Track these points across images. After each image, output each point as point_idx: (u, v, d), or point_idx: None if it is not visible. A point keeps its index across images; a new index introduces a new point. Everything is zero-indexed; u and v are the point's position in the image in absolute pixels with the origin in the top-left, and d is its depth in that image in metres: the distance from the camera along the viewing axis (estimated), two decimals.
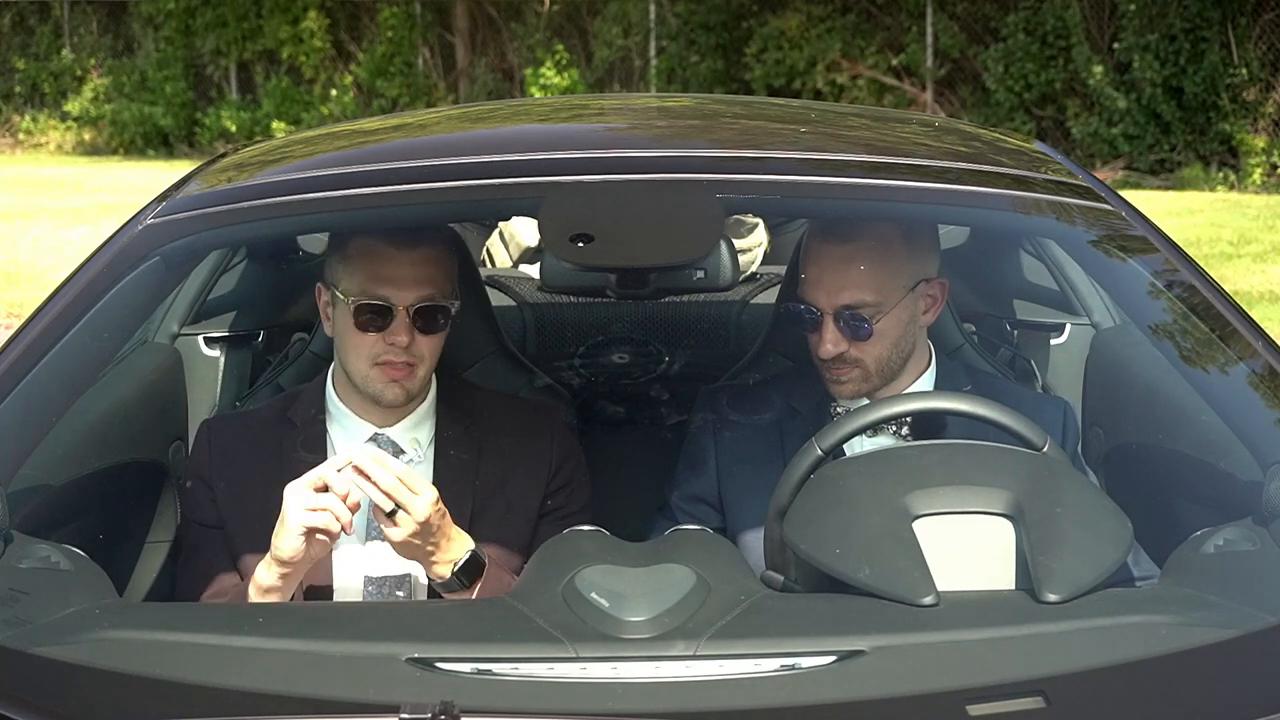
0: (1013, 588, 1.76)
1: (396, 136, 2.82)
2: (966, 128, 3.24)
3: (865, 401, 2.35)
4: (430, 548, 2.09)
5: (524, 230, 4.55)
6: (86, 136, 20.31)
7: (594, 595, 1.68)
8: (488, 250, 4.69)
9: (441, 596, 2.15)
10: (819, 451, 2.02)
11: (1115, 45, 14.18)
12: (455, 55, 18.58)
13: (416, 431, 2.35)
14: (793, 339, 2.75)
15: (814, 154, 2.37)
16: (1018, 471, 1.87)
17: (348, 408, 2.35)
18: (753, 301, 3.77)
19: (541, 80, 17.29)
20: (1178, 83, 13.75)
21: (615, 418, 3.27)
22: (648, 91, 16.48)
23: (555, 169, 2.22)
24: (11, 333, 2.11)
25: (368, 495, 2.02)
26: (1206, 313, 2.15)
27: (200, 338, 3.20)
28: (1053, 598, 1.67)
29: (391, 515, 2.03)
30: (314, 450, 2.32)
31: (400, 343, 2.26)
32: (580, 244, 2.09)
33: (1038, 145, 2.73)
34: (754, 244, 4.40)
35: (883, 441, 2.28)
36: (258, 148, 2.78)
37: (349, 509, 2.00)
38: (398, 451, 2.32)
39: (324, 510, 1.99)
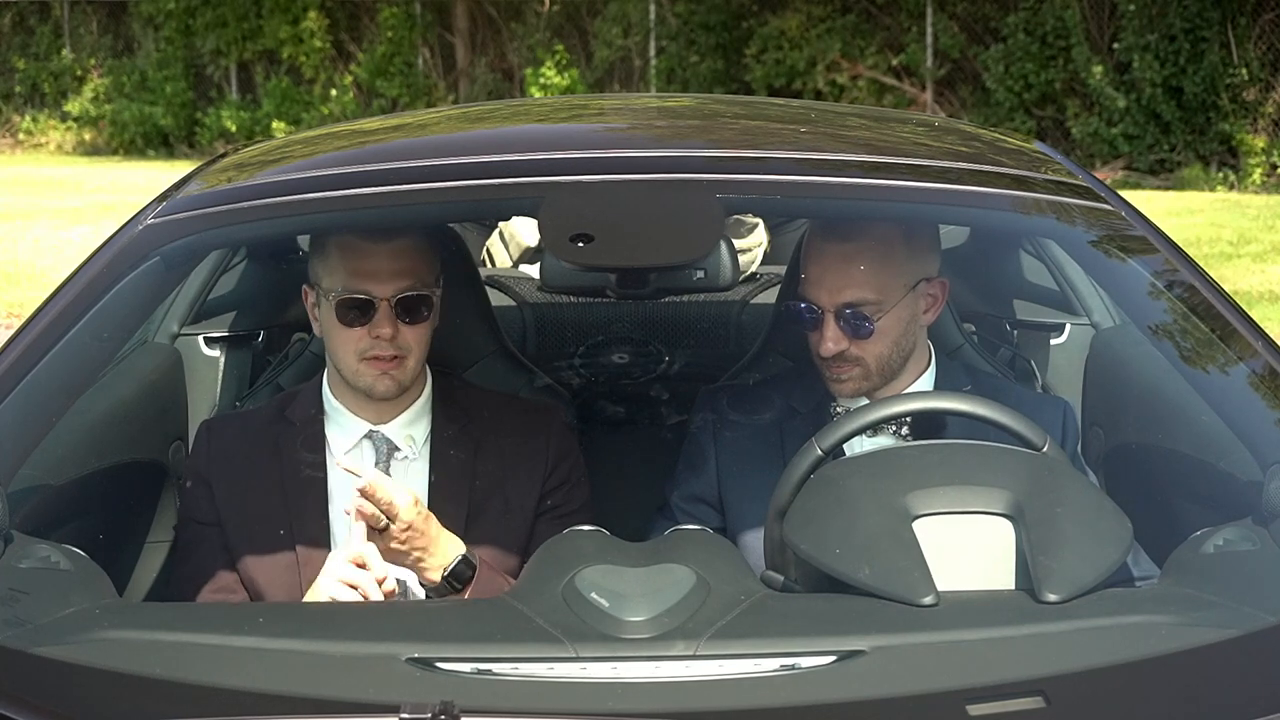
0: (1013, 588, 1.76)
1: (396, 136, 2.82)
2: (966, 128, 3.25)
3: (865, 401, 2.35)
4: (418, 552, 2.10)
5: (524, 230, 4.55)
6: (86, 136, 20.30)
7: (594, 595, 1.68)
8: (488, 250, 4.69)
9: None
10: (819, 451, 2.02)
11: (1115, 45, 14.18)
12: (455, 55, 18.58)
13: (411, 429, 2.35)
14: (793, 339, 2.74)
15: (814, 154, 2.37)
16: (1018, 471, 1.87)
17: (343, 405, 2.35)
18: (753, 301, 3.77)
19: (541, 80, 17.29)
20: (1178, 83, 13.75)
21: (615, 418, 3.27)
22: (648, 91, 16.48)
23: (555, 169, 2.22)
24: (11, 333, 2.11)
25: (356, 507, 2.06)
26: (1206, 313, 2.15)
27: (200, 338, 3.20)
28: (1053, 598, 1.67)
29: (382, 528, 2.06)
30: (312, 449, 2.33)
31: (385, 335, 2.27)
32: (580, 244, 2.09)
33: (1038, 145, 2.73)
34: (754, 244, 4.40)
35: (883, 441, 2.28)
36: (258, 148, 2.78)
37: (382, 592, 2.02)
38: (392, 449, 2.33)
39: (356, 587, 2.01)
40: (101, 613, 1.76)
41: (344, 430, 2.35)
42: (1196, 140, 13.86)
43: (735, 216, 4.27)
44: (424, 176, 2.25)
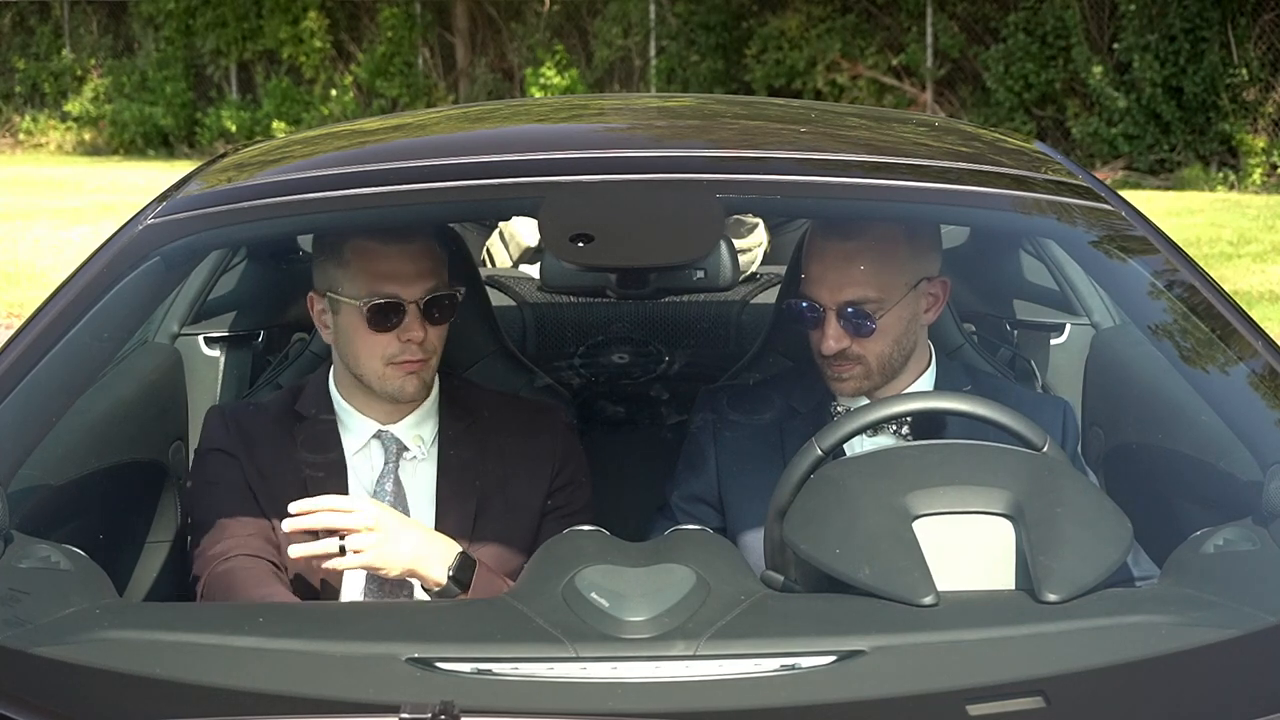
0: (1013, 588, 1.76)
1: (396, 136, 2.82)
2: (966, 128, 3.25)
3: (865, 401, 2.35)
4: (407, 552, 2.10)
5: (524, 230, 4.55)
6: (86, 136, 20.30)
7: (594, 595, 1.68)
8: (488, 250, 4.69)
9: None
10: (819, 451, 2.02)
11: (1115, 45, 14.18)
12: (455, 55, 18.57)
13: (420, 429, 2.35)
14: (793, 339, 2.74)
15: (814, 154, 2.37)
16: (1018, 471, 1.87)
17: (351, 406, 2.35)
18: (753, 301, 3.77)
19: (541, 80, 17.29)
20: (1178, 83, 13.75)
21: (615, 418, 3.27)
22: (648, 91, 16.47)
23: (555, 169, 2.22)
24: (11, 333, 2.11)
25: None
26: (1206, 313, 2.15)
27: (200, 338, 3.20)
28: (1053, 598, 1.67)
29: (343, 549, 2.08)
30: (328, 443, 2.33)
31: (416, 338, 2.27)
32: (580, 244, 2.09)
33: (1038, 145, 2.73)
34: (754, 244, 4.40)
35: (883, 441, 2.28)
36: (258, 148, 2.78)
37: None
38: (401, 449, 2.32)
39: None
40: (101, 613, 1.76)
41: (352, 431, 2.34)
42: (1196, 140, 13.86)
43: (735, 216, 4.27)
44: (424, 176, 2.25)
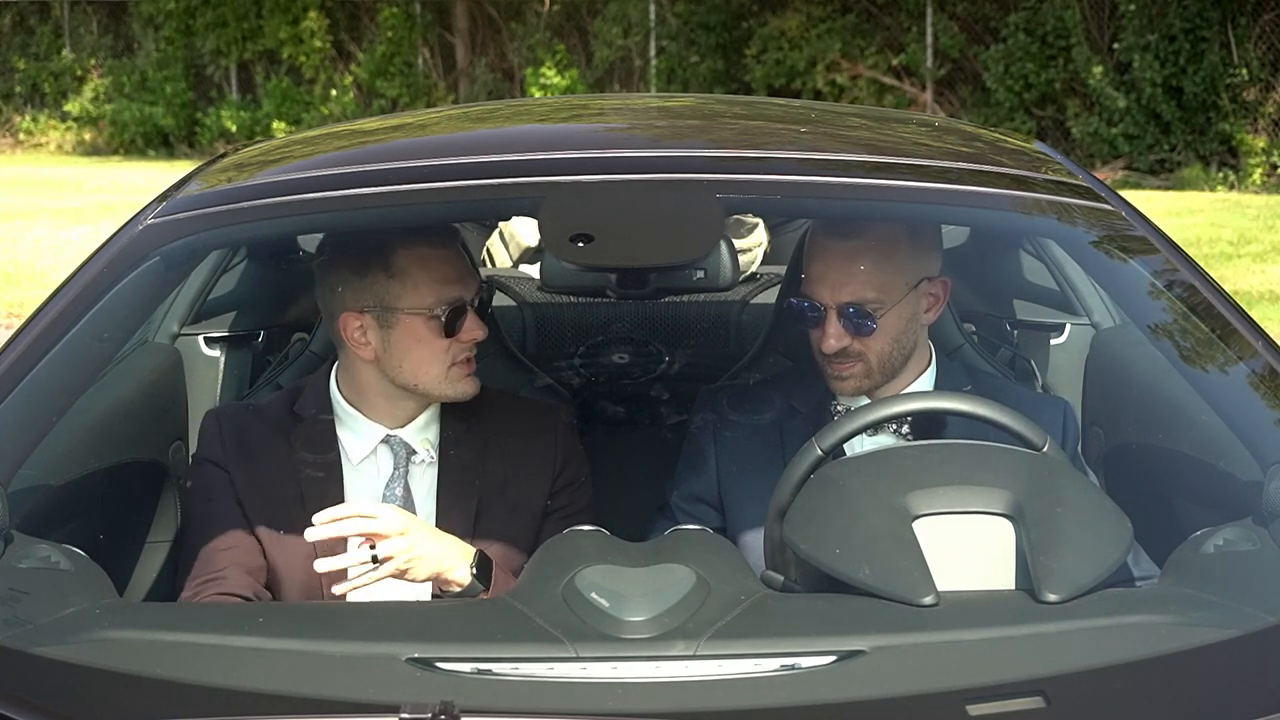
0: (1013, 588, 1.76)
1: (396, 136, 2.82)
2: (967, 128, 3.25)
3: (865, 401, 2.35)
4: (434, 555, 2.08)
5: (524, 230, 4.55)
6: (86, 136, 20.31)
7: (594, 595, 1.68)
8: (488, 250, 4.69)
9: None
10: (819, 451, 2.02)
11: (1115, 45, 14.18)
12: (455, 55, 18.58)
13: (427, 432, 2.34)
14: (793, 339, 2.74)
15: (814, 154, 2.37)
16: (1018, 471, 1.87)
17: (358, 410, 2.32)
18: (753, 301, 3.77)
19: (541, 80, 17.29)
20: (1178, 83, 13.75)
21: (615, 418, 3.27)
22: (648, 91, 16.48)
23: (555, 169, 2.22)
24: (12, 333, 2.11)
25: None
26: (1206, 313, 2.15)
27: (200, 338, 3.20)
28: (1053, 598, 1.67)
29: (375, 559, 2.04)
30: (326, 447, 2.31)
31: (479, 337, 2.29)
32: (580, 244, 2.09)
33: (1038, 145, 2.73)
34: (754, 244, 4.40)
35: (883, 441, 2.28)
36: (258, 148, 2.78)
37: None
38: (410, 453, 2.31)
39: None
40: (101, 613, 1.76)
41: (359, 436, 2.32)
42: (1196, 140, 13.86)
43: (735, 216, 4.27)
44: (424, 176, 2.25)
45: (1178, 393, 2.43)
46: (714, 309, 3.73)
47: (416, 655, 1.58)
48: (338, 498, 2.27)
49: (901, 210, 2.28)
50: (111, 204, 13.19)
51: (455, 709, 1.44)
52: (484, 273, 3.87)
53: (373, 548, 2.04)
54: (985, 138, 2.85)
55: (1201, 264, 2.36)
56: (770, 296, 3.54)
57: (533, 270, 4.09)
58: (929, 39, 15.50)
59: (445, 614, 1.86)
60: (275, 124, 18.30)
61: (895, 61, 15.66)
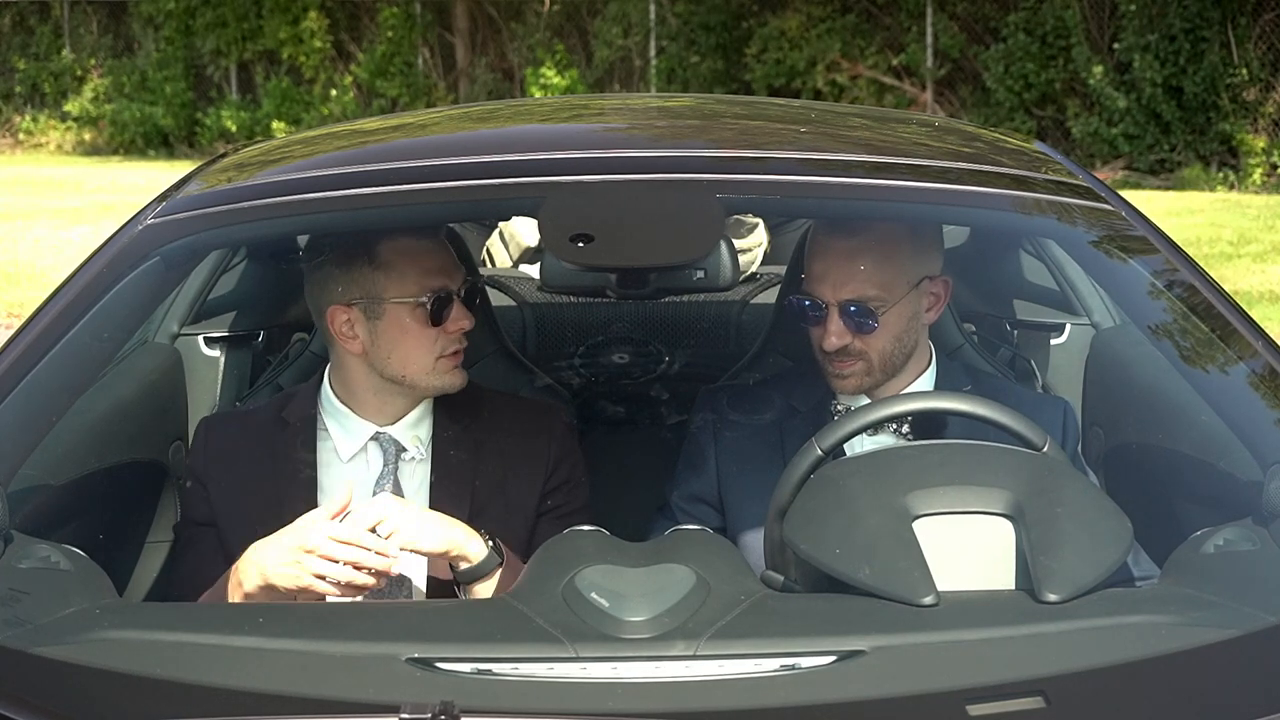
0: (1013, 588, 1.76)
1: (396, 136, 2.82)
2: (967, 128, 3.24)
3: (866, 400, 2.35)
4: (442, 529, 2.08)
5: (524, 230, 4.55)
6: (86, 136, 20.31)
7: (594, 595, 1.68)
8: (488, 250, 4.69)
9: (460, 587, 2.14)
10: (819, 451, 2.02)
11: (1115, 45, 14.18)
12: (455, 55, 18.58)
13: (417, 429, 2.35)
14: (793, 339, 2.75)
15: (814, 154, 2.37)
16: (1018, 471, 1.87)
17: (348, 408, 2.34)
18: (753, 301, 3.77)
19: (541, 80, 17.29)
20: (1178, 83, 13.75)
21: (615, 418, 3.27)
22: (648, 91, 16.48)
23: (555, 169, 2.22)
24: (11, 333, 2.11)
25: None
26: (1206, 313, 2.15)
27: (200, 338, 3.20)
28: (1053, 598, 1.67)
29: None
30: (307, 451, 2.32)
31: (466, 327, 2.29)
32: (580, 244, 2.09)
33: (1038, 145, 2.73)
34: (754, 244, 4.40)
35: (883, 441, 2.28)
36: (258, 148, 2.77)
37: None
38: (400, 450, 2.32)
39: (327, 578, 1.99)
40: (101, 613, 1.75)
41: (349, 433, 2.33)
42: (1197, 140, 13.86)
43: (735, 216, 4.28)
44: (424, 176, 2.25)
45: (1178, 393, 2.43)
46: (714, 309, 3.73)
47: (416, 655, 1.58)
48: (312, 498, 2.28)
49: (902, 210, 2.28)
50: (111, 204, 13.19)
51: (455, 709, 1.44)
52: (484, 273, 3.87)
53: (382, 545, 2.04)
54: (985, 138, 2.85)
55: (1201, 264, 2.36)
56: (770, 296, 3.54)
57: (533, 270, 4.09)
58: (929, 39, 15.51)
59: (445, 614, 1.86)
60: (275, 124, 18.30)
61: (895, 61, 15.67)
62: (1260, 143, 13.52)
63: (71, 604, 1.75)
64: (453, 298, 2.28)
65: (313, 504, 2.27)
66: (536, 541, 2.24)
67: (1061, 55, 14.56)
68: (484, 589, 2.12)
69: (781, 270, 3.46)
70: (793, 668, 1.57)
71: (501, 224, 4.62)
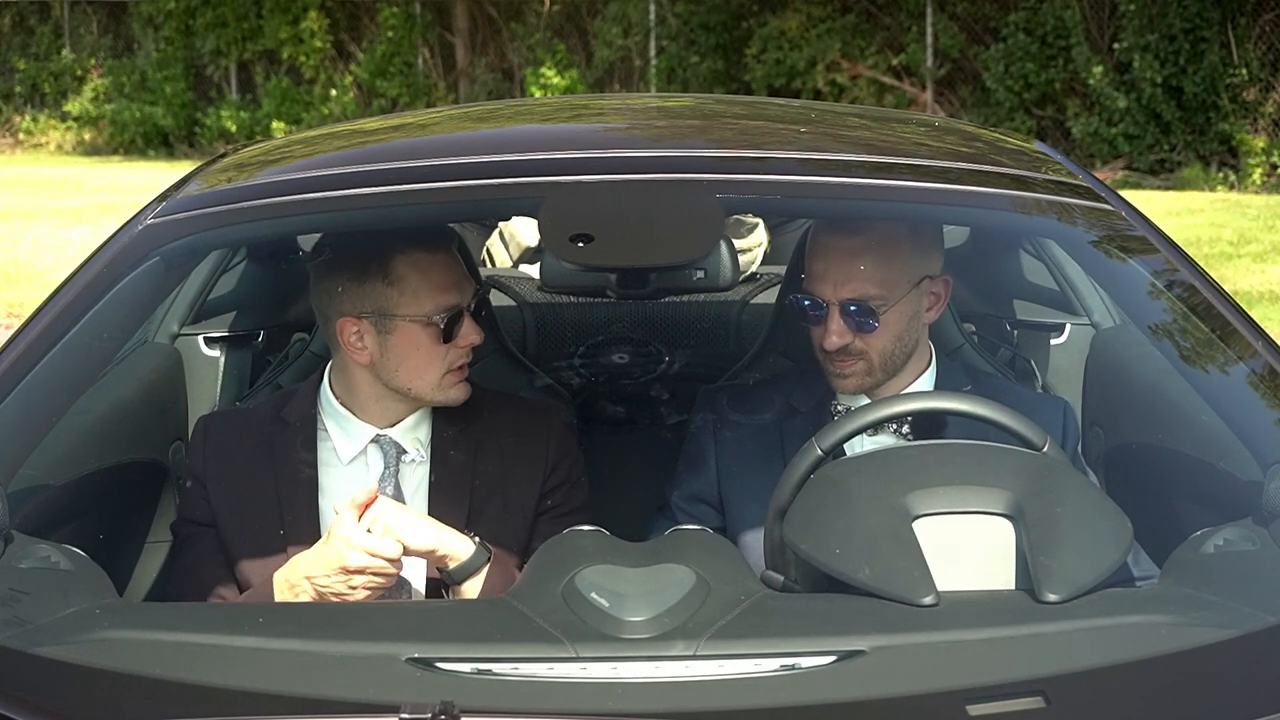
0: (1013, 588, 1.76)
1: (396, 136, 2.82)
2: (966, 128, 3.24)
3: (866, 400, 2.35)
4: (429, 527, 2.11)
5: (524, 230, 4.55)
6: (86, 136, 20.31)
7: (594, 595, 1.68)
8: (488, 250, 4.69)
9: (449, 589, 2.15)
10: (819, 451, 2.02)
11: (1115, 45, 14.18)
12: (455, 55, 18.58)
13: (417, 431, 2.34)
14: (793, 339, 2.75)
15: (814, 154, 2.37)
16: (1018, 471, 1.87)
17: (349, 411, 2.33)
18: (753, 301, 3.77)
19: (541, 80, 17.29)
20: (1178, 83, 13.75)
21: (615, 418, 3.27)
22: (648, 91, 16.48)
23: (555, 169, 2.22)
24: (11, 333, 2.11)
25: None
26: (1206, 313, 2.15)
27: (200, 338, 3.20)
28: (1053, 598, 1.67)
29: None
30: (306, 450, 2.32)
31: (476, 342, 2.29)
32: (580, 244, 2.09)
33: (1038, 145, 2.73)
34: (754, 244, 4.40)
35: (883, 441, 2.28)
36: (258, 148, 2.77)
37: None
38: (400, 452, 2.32)
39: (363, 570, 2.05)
40: (101, 613, 1.75)
41: (349, 436, 2.33)
42: (1196, 140, 13.86)
43: (735, 216, 4.28)
44: (424, 176, 2.25)
45: (1178, 393, 2.44)
46: (714, 309, 3.73)
47: (416, 655, 1.58)
48: (313, 497, 2.29)
49: (902, 210, 2.28)
50: (111, 204, 13.19)
51: (455, 709, 1.44)
52: (484, 273, 3.87)
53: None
54: (985, 138, 2.85)
55: (1201, 264, 2.36)
56: (770, 296, 3.54)
57: (533, 270, 4.09)
58: (929, 39, 15.51)
59: (445, 614, 1.86)
60: (275, 124, 18.31)
61: (895, 61, 15.67)
62: (1260, 143, 13.52)
63: (71, 604, 1.75)
64: (464, 314, 2.27)
65: (313, 504, 2.28)
66: (536, 541, 2.24)
67: (1061, 55, 14.55)
68: (472, 587, 2.13)
69: (781, 270, 3.46)
70: (793, 668, 1.57)
71: (501, 224, 4.62)
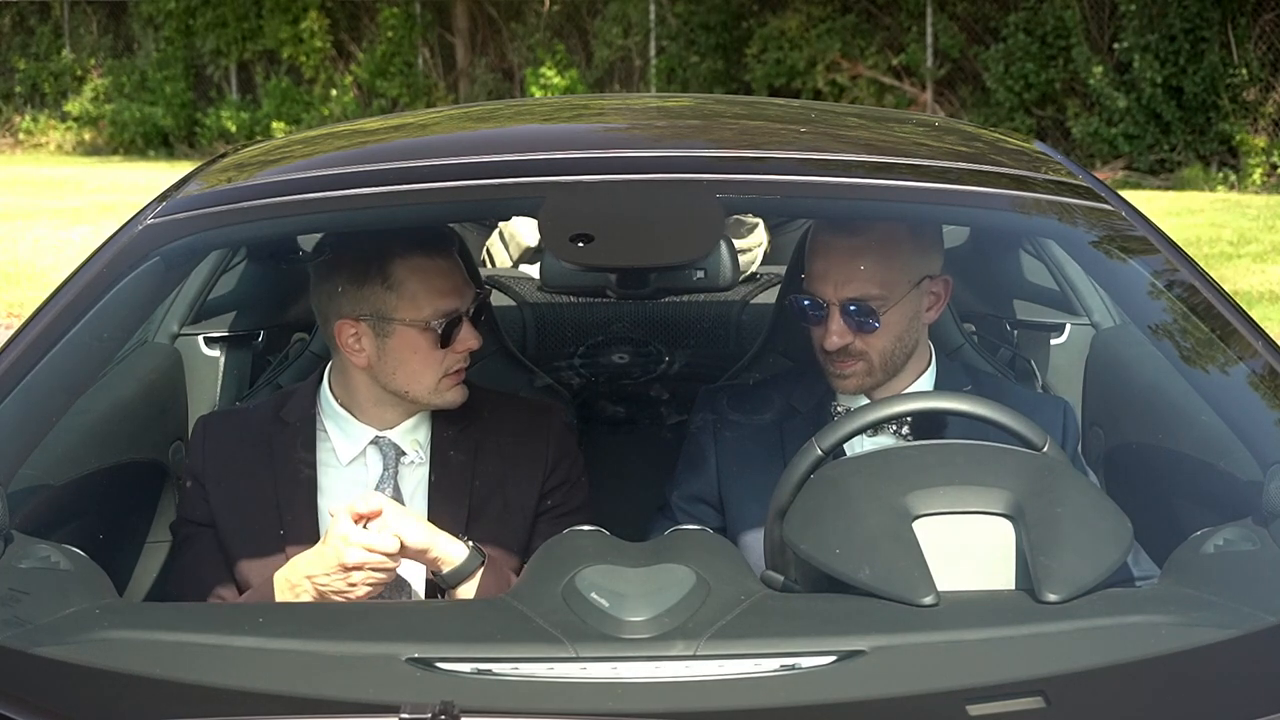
0: (1013, 588, 1.76)
1: (396, 136, 2.82)
2: (966, 128, 3.24)
3: (866, 400, 2.35)
4: (422, 528, 2.11)
5: (524, 230, 4.55)
6: (86, 136, 20.31)
7: (594, 595, 1.68)
8: (488, 250, 4.69)
9: (444, 593, 2.15)
10: (819, 451, 2.02)
11: (1115, 45, 14.18)
12: (455, 55, 18.58)
13: (416, 433, 2.34)
14: (793, 339, 2.75)
15: (814, 154, 2.37)
16: (1018, 471, 1.87)
17: (348, 412, 2.33)
18: (753, 301, 3.77)
19: (541, 80, 17.30)
20: (1178, 83, 13.75)
21: (615, 417, 3.27)
22: (648, 91, 16.48)
23: (555, 169, 2.22)
24: (11, 333, 2.11)
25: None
26: (1206, 313, 2.15)
27: (200, 338, 3.20)
28: (1053, 598, 1.67)
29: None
30: (306, 451, 2.32)
31: (474, 346, 2.29)
32: (580, 244, 2.09)
33: (1038, 145, 2.73)
34: (754, 244, 4.40)
35: (883, 441, 2.28)
36: (258, 148, 2.77)
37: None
38: (399, 453, 2.32)
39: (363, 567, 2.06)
40: (101, 613, 1.75)
41: (349, 437, 2.33)
42: (1197, 140, 13.87)
43: (735, 216, 4.28)
44: (424, 176, 2.25)
45: (1178, 393, 2.44)
46: (714, 309, 3.73)
47: (416, 655, 1.58)
48: (312, 498, 2.29)
49: (902, 210, 2.28)
50: (111, 204, 13.19)
51: (455, 709, 1.44)
52: (484, 273, 3.87)
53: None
54: (985, 138, 2.85)
55: (1201, 264, 2.36)
56: (770, 296, 3.55)
57: (533, 270, 4.09)
58: (929, 39, 15.51)
59: (445, 614, 1.86)
60: (275, 124, 18.31)
61: (895, 61, 15.67)
62: (1260, 143, 13.52)
63: (71, 604, 1.75)
64: (462, 319, 2.27)
65: (312, 504, 2.28)
66: (536, 541, 2.24)
67: (1061, 55, 14.56)
68: (466, 591, 2.13)
69: (781, 270, 3.46)
70: (793, 668, 1.57)
71: (501, 224, 4.62)
